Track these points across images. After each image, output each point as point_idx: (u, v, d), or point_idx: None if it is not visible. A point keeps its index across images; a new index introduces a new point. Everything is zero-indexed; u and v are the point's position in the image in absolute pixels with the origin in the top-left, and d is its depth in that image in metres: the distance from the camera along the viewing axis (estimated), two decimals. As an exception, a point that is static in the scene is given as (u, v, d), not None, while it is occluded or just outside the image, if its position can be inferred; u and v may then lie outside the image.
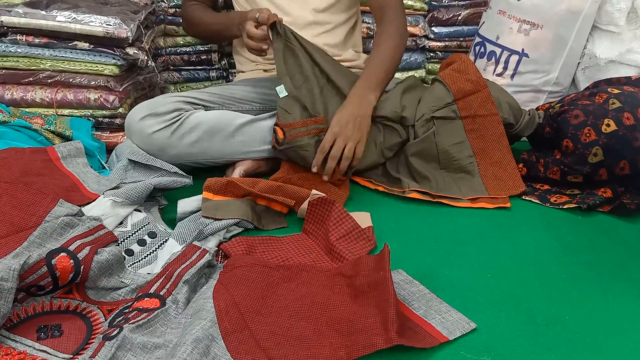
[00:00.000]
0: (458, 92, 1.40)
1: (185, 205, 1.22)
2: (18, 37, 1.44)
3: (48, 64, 1.45)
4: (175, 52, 1.91)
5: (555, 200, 1.33)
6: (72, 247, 0.96)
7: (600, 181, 1.31)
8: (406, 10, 1.91)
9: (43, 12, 1.43)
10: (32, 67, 1.45)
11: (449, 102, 1.41)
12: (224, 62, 1.96)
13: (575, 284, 1.06)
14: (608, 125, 1.27)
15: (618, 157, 1.26)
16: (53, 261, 0.92)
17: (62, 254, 0.93)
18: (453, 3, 1.90)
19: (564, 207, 1.31)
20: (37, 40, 1.44)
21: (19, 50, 1.44)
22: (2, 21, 1.42)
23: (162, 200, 1.29)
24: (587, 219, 1.28)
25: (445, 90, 1.41)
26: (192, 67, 1.94)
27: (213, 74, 1.96)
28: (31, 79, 1.46)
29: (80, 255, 0.95)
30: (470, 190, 1.38)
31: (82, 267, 0.94)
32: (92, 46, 1.45)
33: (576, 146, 1.29)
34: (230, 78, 1.97)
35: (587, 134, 1.28)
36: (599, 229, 1.24)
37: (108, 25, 1.44)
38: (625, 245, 1.18)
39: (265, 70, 1.63)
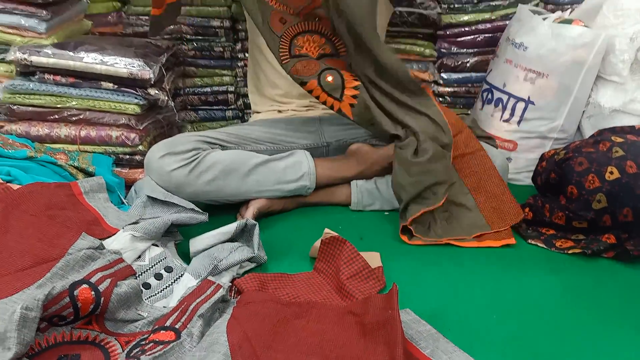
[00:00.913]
0: None
1: (197, 244, 1.26)
2: (46, 76, 1.51)
3: (74, 103, 1.51)
4: (193, 92, 1.99)
5: (561, 245, 1.36)
6: (93, 280, 1.00)
7: (604, 227, 1.34)
8: (416, 57, 1.99)
9: (71, 53, 1.50)
10: (58, 105, 1.52)
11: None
12: (239, 102, 2.03)
13: (579, 328, 1.08)
14: (611, 172, 1.31)
15: (621, 204, 1.30)
16: (75, 292, 0.96)
17: (84, 285, 0.97)
18: (462, 50, 1.98)
19: (569, 252, 1.34)
20: (64, 80, 1.51)
21: (46, 88, 1.51)
22: (31, 61, 1.50)
23: (177, 236, 1.33)
24: (591, 264, 1.30)
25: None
26: (209, 107, 2.02)
27: (229, 113, 2.03)
28: (57, 116, 1.53)
29: (101, 287, 0.99)
30: (473, 226, 1.41)
31: (102, 299, 0.98)
32: (116, 86, 1.52)
33: (580, 192, 1.33)
34: (246, 118, 2.04)
35: (591, 181, 1.32)
36: (602, 274, 1.27)
37: (132, 67, 1.51)
38: (628, 291, 1.20)
39: (279, 111, 1.69)
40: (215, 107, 2.03)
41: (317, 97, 1.44)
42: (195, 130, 2.01)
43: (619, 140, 1.38)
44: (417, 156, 1.39)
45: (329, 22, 1.43)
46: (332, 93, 1.42)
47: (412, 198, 1.39)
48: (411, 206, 1.39)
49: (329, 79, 1.40)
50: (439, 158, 1.40)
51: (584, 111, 1.71)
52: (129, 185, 1.52)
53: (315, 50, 1.44)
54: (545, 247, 1.37)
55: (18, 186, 1.22)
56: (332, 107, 1.45)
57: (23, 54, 1.49)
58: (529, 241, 1.40)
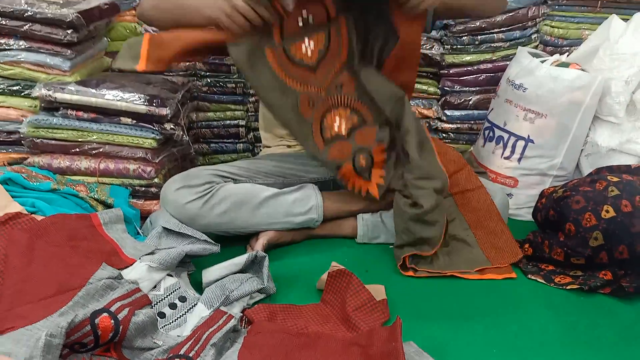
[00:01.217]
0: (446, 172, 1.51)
1: (209, 275, 1.31)
2: (69, 111, 1.58)
3: (94, 137, 1.59)
4: (205, 125, 2.07)
5: (559, 281, 1.41)
6: (113, 308, 1.05)
7: (601, 264, 1.39)
8: (420, 95, 2.07)
9: (93, 91, 1.58)
10: (80, 139, 1.59)
11: None
12: (250, 135, 2.11)
13: (576, 362, 1.13)
14: (607, 211, 1.36)
15: (617, 242, 1.35)
16: (96, 320, 1.01)
17: (104, 314, 1.02)
18: (464, 89, 2.06)
19: (567, 287, 1.38)
20: (85, 115, 1.58)
21: (68, 123, 1.58)
22: (55, 97, 1.57)
23: (190, 266, 1.39)
24: (589, 299, 1.35)
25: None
26: (221, 140, 2.10)
27: (240, 146, 2.11)
28: (78, 149, 1.60)
29: (120, 316, 1.04)
30: (474, 262, 1.46)
31: (121, 327, 1.03)
32: (134, 121, 1.59)
33: (578, 230, 1.38)
34: (256, 151, 2.11)
35: (588, 219, 1.37)
36: (599, 310, 1.31)
37: (150, 103, 1.58)
38: (624, 327, 1.25)
39: (288, 146, 1.76)
40: (226, 140, 2.10)
41: (346, 182, 1.50)
42: (207, 162, 2.09)
43: (615, 179, 1.43)
44: (412, 207, 1.43)
45: (352, 84, 1.49)
46: (362, 173, 1.51)
47: (406, 243, 1.46)
48: (406, 248, 1.46)
49: (363, 162, 1.49)
50: (432, 210, 1.42)
51: (582, 150, 1.78)
52: (144, 216, 1.59)
53: (345, 127, 1.50)
54: (544, 282, 1.42)
55: (42, 217, 1.28)
56: (360, 191, 1.52)
57: (48, 90, 1.56)
58: (529, 276, 1.45)
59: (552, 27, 2.04)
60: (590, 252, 1.38)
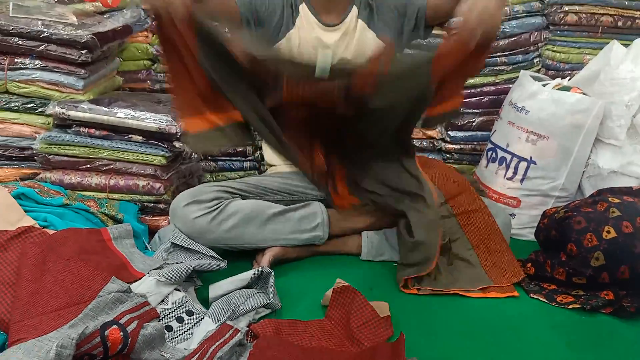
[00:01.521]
0: (447, 194, 1.54)
1: (216, 290, 1.33)
2: (81, 129, 1.62)
3: (105, 154, 1.63)
4: (213, 144, 2.11)
5: (561, 300, 1.42)
6: (122, 321, 1.07)
7: (603, 284, 1.40)
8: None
9: (106, 109, 1.62)
10: (91, 156, 1.63)
11: (442, 201, 1.57)
12: (257, 154, 2.14)
13: (577, 381, 1.14)
14: (608, 232, 1.38)
15: (618, 262, 1.36)
16: (106, 332, 1.03)
17: (114, 326, 1.05)
18: (468, 110, 2.09)
19: (569, 306, 1.40)
20: (97, 133, 1.62)
21: (80, 140, 1.62)
22: (69, 115, 1.61)
23: (197, 281, 1.41)
24: (590, 319, 1.36)
25: (437, 191, 1.57)
26: (228, 158, 2.13)
27: (246, 164, 2.14)
28: (89, 165, 1.63)
29: (129, 328, 1.06)
30: (476, 280, 1.48)
31: (129, 339, 1.06)
32: (144, 139, 1.63)
33: (579, 250, 1.40)
34: (262, 169, 2.14)
35: (589, 240, 1.39)
36: (601, 329, 1.32)
37: (160, 122, 1.62)
38: (625, 346, 1.26)
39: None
40: (233, 158, 2.14)
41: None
42: (214, 179, 2.12)
43: (616, 200, 1.45)
44: (409, 234, 1.46)
45: None
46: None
47: (407, 264, 1.48)
48: (407, 269, 1.48)
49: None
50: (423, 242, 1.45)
51: (584, 171, 1.80)
52: (152, 231, 1.62)
53: None
54: (546, 301, 1.43)
55: (53, 231, 1.31)
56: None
57: (61, 108, 1.61)
58: (531, 295, 1.46)
59: (554, 51, 2.08)
60: (591, 272, 1.39)
